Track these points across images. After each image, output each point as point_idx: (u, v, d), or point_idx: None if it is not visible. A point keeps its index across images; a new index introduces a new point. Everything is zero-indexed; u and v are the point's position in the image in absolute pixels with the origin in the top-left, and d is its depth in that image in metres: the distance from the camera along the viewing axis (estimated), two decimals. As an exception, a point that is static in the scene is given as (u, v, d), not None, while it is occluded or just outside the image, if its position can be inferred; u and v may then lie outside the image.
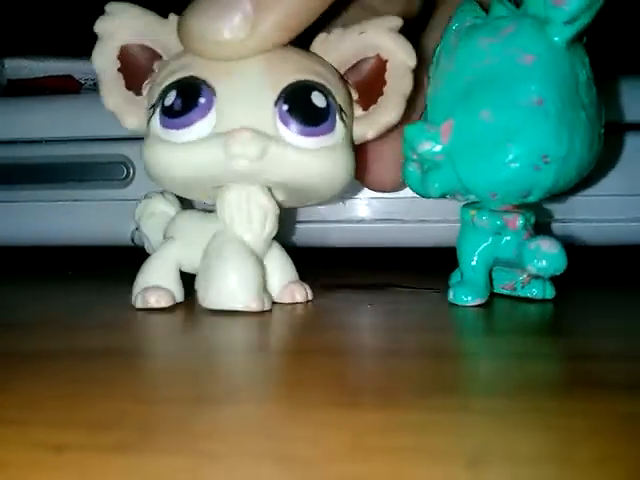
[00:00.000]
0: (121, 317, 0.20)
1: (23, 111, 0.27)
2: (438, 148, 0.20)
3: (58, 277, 0.28)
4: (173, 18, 0.20)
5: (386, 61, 0.20)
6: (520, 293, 0.21)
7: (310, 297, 0.22)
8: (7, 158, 0.27)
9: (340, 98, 0.20)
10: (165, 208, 0.23)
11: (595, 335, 0.18)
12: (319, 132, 0.19)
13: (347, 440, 0.11)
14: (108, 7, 0.20)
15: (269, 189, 0.20)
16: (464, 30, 0.20)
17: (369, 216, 0.26)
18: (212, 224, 0.20)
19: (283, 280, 0.22)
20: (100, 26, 0.20)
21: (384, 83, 0.20)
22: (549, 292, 0.21)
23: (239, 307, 0.19)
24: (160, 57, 0.20)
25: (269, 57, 0.19)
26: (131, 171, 0.26)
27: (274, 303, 0.21)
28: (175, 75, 0.19)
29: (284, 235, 0.23)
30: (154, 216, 0.23)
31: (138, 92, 0.20)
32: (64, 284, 0.27)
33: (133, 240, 0.27)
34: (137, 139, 0.26)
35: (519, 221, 0.20)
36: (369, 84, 0.21)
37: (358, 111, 0.21)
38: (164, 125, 0.19)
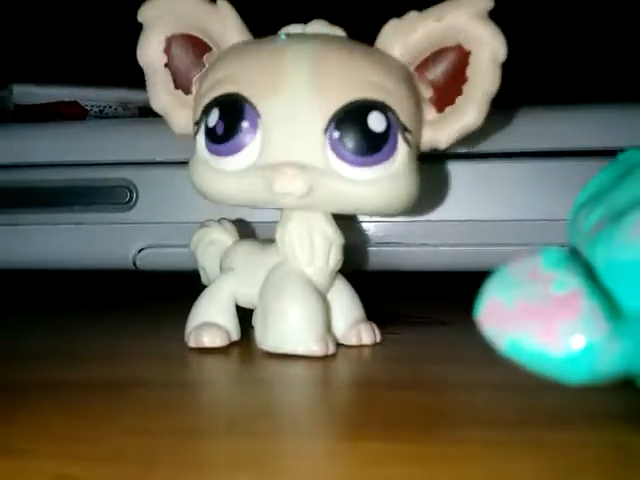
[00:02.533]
0: (120, 348, 0.20)
1: (30, 136, 0.27)
2: None
3: (60, 303, 0.28)
4: (224, 5, 0.18)
5: (469, 53, 0.17)
6: None
7: (379, 339, 0.20)
8: (14, 182, 0.27)
9: (405, 112, 0.17)
10: (223, 237, 0.21)
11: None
12: (376, 160, 0.17)
13: (348, 472, 0.11)
14: None
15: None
16: None
17: (369, 239, 0.26)
18: (272, 256, 0.19)
19: (349, 319, 0.19)
20: (145, 13, 0.18)
21: (464, 80, 0.17)
22: None
23: (300, 351, 0.17)
24: (210, 48, 0.19)
25: (318, 68, 0.17)
26: (134, 195, 0.26)
27: (338, 345, 0.19)
28: (218, 89, 0.17)
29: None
30: (211, 245, 0.21)
31: (187, 90, 0.19)
32: (65, 311, 0.27)
33: (135, 264, 0.27)
34: (141, 164, 0.26)
35: None
36: (446, 81, 0.17)
37: (431, 114, 0.18)
38: (210, 150, 0.17)
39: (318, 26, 0.18)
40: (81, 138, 0.27)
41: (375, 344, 0.19)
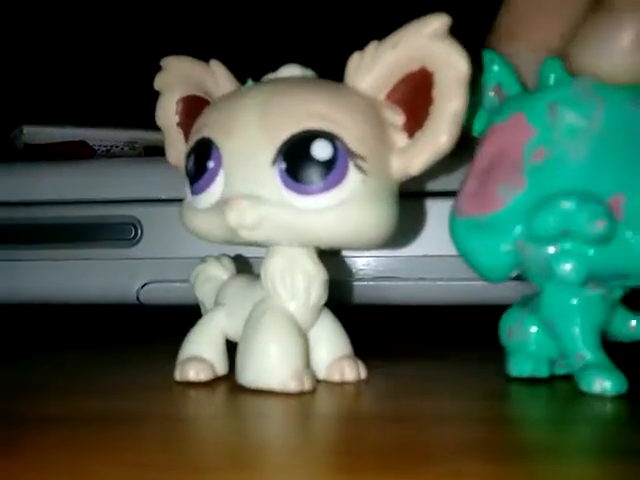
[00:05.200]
0: (120, 382, 0.20)
1: (39, 174, 0.28)
2: (610, 226, 0.16)
3: (62, 338, 0.28)
4: (214, 63, 0.19)
5: (432, 74, 0.17)
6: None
7: (363, 375, 0.19)
8: (24, 218, 0.28)
9: (357, 139, 0.17)
10: (219, 273, 0.21)
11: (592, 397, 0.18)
12: (324, 188, 0.17)
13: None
14: (163, 62, 0.20)
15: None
16: (596, 88, 0.17)
17: (367, 274, 0.27)
18: (258, 291, 0.19)
19: (332, 354, 0.19)
20: (158, 82, 0.20)
21: (431, 102, 0.17)
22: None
23: (275, 386, 0.17)
24: (208, 103, 0.20)
25: (266, 105, 0.17)
26: (139, 231, 0.27)
27: (321, 381, 0.19)
28: (194, 137, 0.18)
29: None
30: (209, 281, 0.22)
31: None
32: (66, 346, 0.27)
33: (139, 298, 0.27)
34: (145, 201, 0.27)
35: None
36: (414, 105, 0.17)
37: (403, 141, 0.17)
38: (190, 191, 0.18)
39: (289, 70, 0.19)
40: (88, 176, 0.28)
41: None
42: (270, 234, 0.17)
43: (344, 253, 0.26)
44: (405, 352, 0.25)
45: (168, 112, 0.21)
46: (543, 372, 0.19)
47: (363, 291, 0.26)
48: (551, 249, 0.17)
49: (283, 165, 0.17)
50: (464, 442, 0.14)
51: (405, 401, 0.18)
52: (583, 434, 0.15)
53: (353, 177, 0.17)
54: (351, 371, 0.19)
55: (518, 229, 0.17)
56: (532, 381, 0.19)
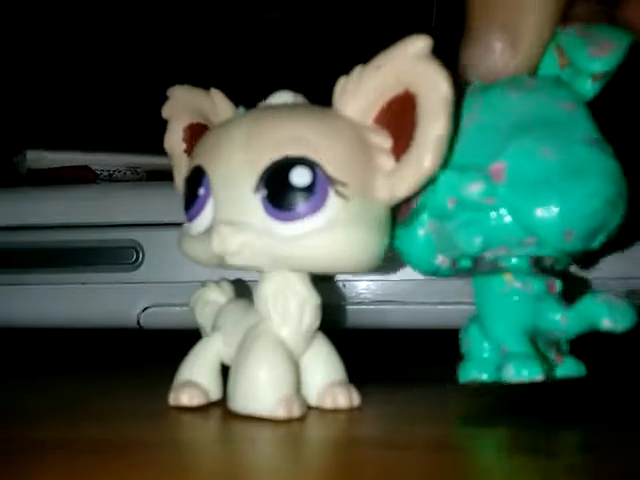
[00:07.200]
0: (120, 407, 0.19)
1: (41, 198, 0.28)
2: (486, 188, 0.17)
3: (61, 362, 0.28)
4: (214, 92, 0.20)
5: (415, 96, 0.17)
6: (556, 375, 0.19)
7: (356, 402, 0.19)
8: (26, 242, 0.28)
9: (338, 165, 0.17)
10: (218, 297, 0.21)
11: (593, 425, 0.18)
12: (303, 214, 0.17)
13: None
14: (169, 91, 0.21)
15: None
16: (482, 86, 0.19)
17: (368, 298, 0.27)
18: (252, 315, 0.19)
19: (325, 380, 0.19)
20: (166, 111, 0.21)
21: (415, 125, 0.16)
22: (582, 369, 0.19)
23: (263, 413, 0.17)
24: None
25: (250, 132, 0.17)
26: (140, 255, 0.27)
27: (313, 407, 0.19)
28: (190, 165, 0.19)
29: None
30: (208, 305, 0.22)
31: None
32: (65, 371, 0.27)
33: (139, 322, 0.27)
34: (146, 225, 0.27)
35: (557, 286, 0.18)
36: (400, 129, 0.17)
37: (390, 164, 0.17)
38: (185, 217, 0.19)
39: (280, 96, 0.19)
40: (90, 200, 0.28)
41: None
42: (254, 260, 0.17)
43: (343, 277, 0.26)
44: (405, 377, 0.25)
45: (175, 140, 0.21)
46: (486, 377, 0.19)
47: (363, 315, 0.26)
48: (453, 223, 0.18)
49: (264, 192, 0.17)
50: (463, 470, 0.14)
51: (402, 427, 0.17)
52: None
53: (334, 203, 0.17)
54: (344, 397, 0.19)
55: (426, 213, 0.18)
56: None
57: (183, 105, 0.21)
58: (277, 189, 0.17)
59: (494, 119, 0.18)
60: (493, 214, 0.17)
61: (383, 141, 0.17)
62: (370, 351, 0.31)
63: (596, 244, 0.18)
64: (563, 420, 0.18)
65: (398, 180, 0.17)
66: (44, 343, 0.33)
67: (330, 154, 0.17)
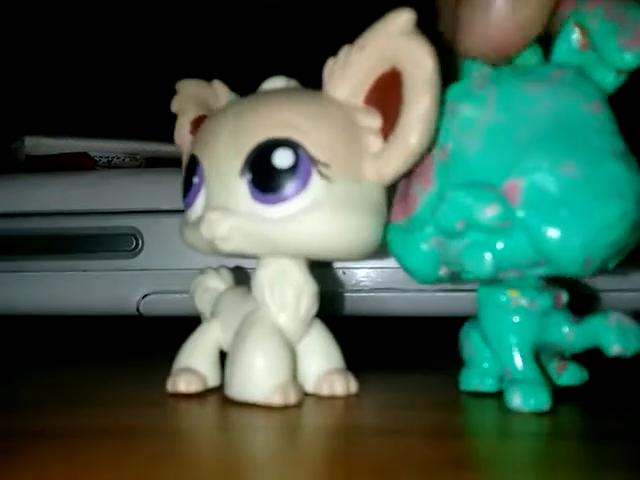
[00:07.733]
0: (120, 395, 0.19)
1: (40, 185, 0.28)
2: (503, 212, 0.16)
3: (62, 349, 0.28)
4: (216, 83, 0.20)
5: (400, 73, 0.16)
6: (558, 383, 0.19)
7: (353, 390, 0.19)
8: (25, 229, 0.28)
9: (321, 146, 0.16)
10: (217, 284, 0.22)
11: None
12: (286, 196, 0.16)
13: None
14: (178, 85, 0.21)
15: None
16: (491, 75, 0.17)
17: (368, 285, 0.27)
18: (250, 302, 0.19)
19: (322, 367, 0.19)
20: (175, 105, 0.21)
21: (401, 103, 0.16)
22: (584, 375, 0.19)
23: (259, 400, 0.17)
24: None
25: (237, 118, 0.17)
26: (140, 242, 0.27)
27: (310, 395, 0.19)
28: (187, 156, 0.19)
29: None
30: (207, 292, 0.22)
31: None
32: (65, 358, 0.27)
33: (139, 310, 0.27)
34: (146, 212, 0.27)
35: (564, 298, 0.18)
36: (388, 108, 0.17)
37: (377, 145, 0.17)
38: (184, 206, 0.19)
39: (273, 82, 0.19)
40: (89, 187, 0.28)
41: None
42: (244, 245, 0.17)
43: (343, 265, 0.26)
44: (403, 364, 0.25)
45: (183, 133, 0.21)
46: (488, 387, 0.19)
47: (363, 303, 0.26)
48: (461, 243, 0.17)
49: (249, 176, 0.17)
50: (463, 457, 0.14)
51: (400, 414, 0.17)
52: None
53: (317, 184, 0.16)
54: (341, 385, 0.19)
55: (431, 227, 0.17)
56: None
57: (190, 99, 0.21)
58: (261, 172, 0.17)
59: (511, 123, 0.16)
60: (507, 237, 0.16)
61: (373, 122, 0.17)
62: (369, 338, 0.31)
63: (612, 266, 0.17)
64: (563, 404, 0.18)
65: (384, 160, 0.17)
66: (43, 330, 0.33)
67: (314, 136, 0.16)
